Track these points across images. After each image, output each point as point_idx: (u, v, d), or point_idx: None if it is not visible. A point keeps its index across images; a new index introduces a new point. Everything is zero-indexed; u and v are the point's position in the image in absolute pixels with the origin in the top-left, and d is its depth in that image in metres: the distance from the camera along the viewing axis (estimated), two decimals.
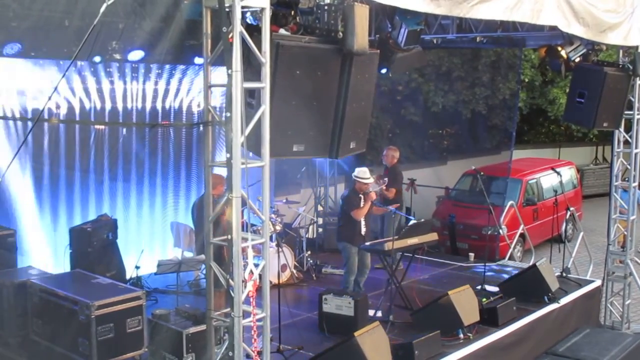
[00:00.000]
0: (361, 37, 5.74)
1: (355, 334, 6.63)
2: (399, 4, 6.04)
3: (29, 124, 9.13)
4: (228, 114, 5.11)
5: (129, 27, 7.59)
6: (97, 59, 8.22)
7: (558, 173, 13.36)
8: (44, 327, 7.13)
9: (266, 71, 5.28)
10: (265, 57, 5.24)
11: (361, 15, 5.74)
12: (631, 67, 9.79)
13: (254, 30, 5.27)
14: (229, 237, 5.23)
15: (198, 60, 9.19)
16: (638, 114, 10.20)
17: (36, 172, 9.46)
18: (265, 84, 5.30)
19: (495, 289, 9.51)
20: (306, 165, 13.25)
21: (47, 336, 7.09)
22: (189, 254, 10.05)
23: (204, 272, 6.94)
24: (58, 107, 9.56)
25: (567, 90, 11.28)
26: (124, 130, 10.39)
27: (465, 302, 8.07)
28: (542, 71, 19.28)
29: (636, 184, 10.44)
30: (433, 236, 9.13)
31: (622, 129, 10.38)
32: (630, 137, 10.35)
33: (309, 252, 10.88)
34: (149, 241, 10.77)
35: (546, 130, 23.14)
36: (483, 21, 8.96)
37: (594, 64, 9.77)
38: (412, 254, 9.19)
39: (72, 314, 6.73)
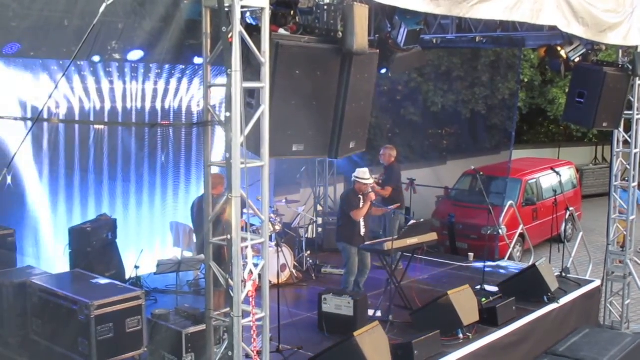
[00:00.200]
0: (361, 37, 5.74)
1: (355, 333, 6.63)
2: (399, 3, 6.04)
3: (29, 123, 9.12)
4: (228, 114, 5.11)
5: (129, 27, 7.59)
6: (96, 58, 8.22)
7: (557, 173, 13.38)
8: (43, 327, 7.13)
9: (266, 71, 5.28)
10: (264, 57, 5.24)
11: (361, 15, 5.74)
12: (631, 67, 9.80)
13: (253, 30, 5.27)
14: (229, 237, 5.24)
15: (198, 60, 9.19)
16: (637, 114, 10.20)
17: (36, 172, 9.46)
18: (264, 84, 5.30)
19: (494, 289, 9.51)
20: (306, 165, 13.25)
21: (47, 336, 7.10)
22: (188, 254, 10.06)
23: (204, 271, 6.94)
24: (58, 106, 9.57)
25: (567, 90, 11.29)
26: (124, 129, 10.39)
27: (464, 302, 8.07)
28: (542, 71, 19.33)
29: (635, 184, 10.44)
30: (432, 236, 9.13)
31: (621, 129, 10.39)
32: (630, 137, 10.35)
33: (308, 252, 10.88)
34: (149, 241, 10.77)
35: (546, 130, 23.15)
36: (483, 21, 8.97)
37: (594, 64, 9.77)
38: (411, 253, 9.19)
39: (72, 313, 6.73)
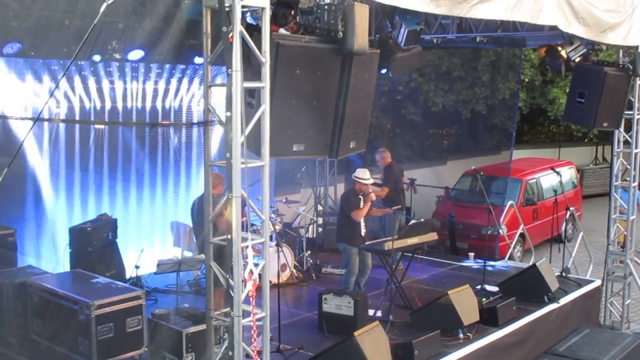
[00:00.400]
0: (361, 37, 5.74)
1: (355, 333, 6.63)
2: (399, 3, 6.04)
3: (29, 123, 9.13)
4: (228, 114, 5.11)
5: (129, 27, 7.59)
6: (97, 58, 8.22)
7: (558, 173, 13.37)
8: (44, 327, 7.13)
9: (266, 71, 5.28)
10: (265, 56, 5.24)
11: (361, 15, 5.74)
12: (631, 67, 9.80)
13: (254, 30, 5.28)
14: (229, 236, 5.24)
15: (198, 59, 9.19)
16: (638, 114, 10.19)
17: (36, 172, 9.46)
18: (265, 84, 5.30)
19: (495, 288, 9.52)
20: (306, 165, 13.25)
21: (47, 336, 7.09)
22: (188, 254, 10.06)
23: (204, 271, 6.94)
24: (58, 106, 9.57)
25: (567, 90, 11.29)
26: (124, 129, 10.40)
27: (465, 302, 8.07)
28: (542, 71, 19.33)
29: (636, 183, 10.44)
30: (433, 236, 9.12)
31: (622, 128, 10.38)
32: (630, 137, 10.35)
33: (308, 252, 10.88)
34: (149, 241, 10.78)
35: (546, 130, 23.14)
36: (483, 21, 8.96)
37: (594, 63, 9.77)
38: (412, 253, 9.19)
39: (72, 313, 6.73)
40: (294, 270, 10.18)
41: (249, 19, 5.68)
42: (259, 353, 5.40)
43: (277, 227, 9.82)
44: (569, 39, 9.37)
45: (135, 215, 10.73)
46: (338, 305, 7.97)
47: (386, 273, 8.85)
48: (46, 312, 7.08)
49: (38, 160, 9.47)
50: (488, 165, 16.33)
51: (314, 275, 10.49)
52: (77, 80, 9.67)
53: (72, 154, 9.86)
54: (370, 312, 8.39)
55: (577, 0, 8.02)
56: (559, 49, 9.60)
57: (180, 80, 10.90)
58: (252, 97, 5.48)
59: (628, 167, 10.45)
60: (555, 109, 19.79)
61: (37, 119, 8.59)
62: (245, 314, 5.28)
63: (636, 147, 10.29)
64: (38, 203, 9.53)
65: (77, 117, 9.76)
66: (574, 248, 12.03)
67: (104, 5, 4.96)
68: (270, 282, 5.78)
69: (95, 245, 8.87)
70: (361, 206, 8.89)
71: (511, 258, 12.38)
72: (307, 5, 5.99)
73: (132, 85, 10.34)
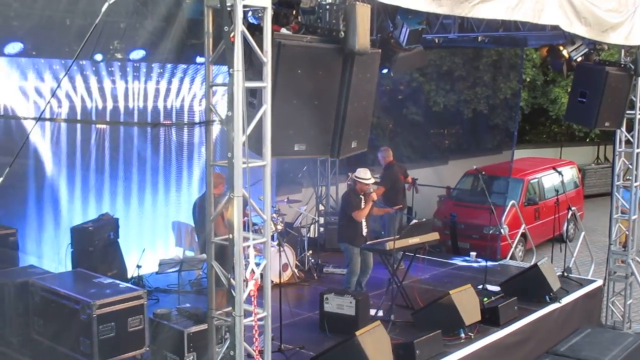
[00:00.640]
0: (363, 37, 5.74)
1: (357, 333, 6.63)
2: (401, 3, 6.04)
3: (31, 123, 9.13)
4: (229, 113, 5.11)
5: (131, 27, 7.60)
6: (98, 57, 8.23)
7: (559, 173, 13.36)
8: (45, 327, 7.14)
9: (267, 70, 5.28)
10: (266, 56, 5.24)
11: (363, 15, 5.74)
12: (633, 67, 9.80)
13: (255, 30, 5.27)
14: (230, 236, 5.24)
15: (199, 59, 9.20)
16: (639, 114, 10.19)
17: (37, 171, 9.47)
18: (266, 84, 5.30)
19: (496, 288, 9.51)
20: (307, 165, 13.25)
21: (49, 335, 7.10)
22: (190, 253, 10.06)
23: (205, 271, 6.94)
24: (60, 106, 9.57)
25: (569, 89, 11.29)
26: (126, 129, 10.40)
27: (466, 302, 8.06)
28: (544, 71, 19.31)
29: (638, 183, 10.43)
30: (434, 235, 9.13)
31: (623, 128, 10.38)
32: (632, 136, 10.34)
33: (310, 252, 10.88)
34: (151, 240, 10.78)
35: (548, 129, 23.12)
36: (485, 21, 8.96)
37: (596, 63, 9.77)
38: (413, 253, 9.18)
39: (74, 313, 6.73)
40: (296, 270, 10.18)
41: (250, 19, 5.66)
42: (261, 353, 5.40)
43: (279, 227, 9.83)
44: (571, 39, 9.37)
45: (136, 215, 10.74)
46: (339, 305, 7.97)
47: (387, 273, 8.86)
48: (48, 311, 7.09)
49: (39, 160, 9.47)
50: (489, 164, 16.31)
51: (315, 275, 10.49)
52: (78, 79, 9.67)
53: (74, 154, 9.87)
54: (372, 311, 8.39)
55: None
56: (561, 48, 9.60)
57: (181, 80, 10.90)
58: (253, 97, 5.48)
59: (630, 166, 10.45)
60: (557, 109, 19.78)
61: (39, 119, 8.60)
62: (247, 313, 5.28)
63: (638, 147, 10.29)
64: (39, 203, 9.54)
65: (79, 117, 9.77)
66: (575, 248, 12.01)
67: (106, 5, 4.96)
68: (272, 281, 5.78)
69: (96, 244, 8.87)
70: (362, 206, 8.89)
71: (513, 258, 12.38)
72: (308, 5, 5.98)
73: (134, 84, 10.34)
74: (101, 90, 9.98)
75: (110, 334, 6.65)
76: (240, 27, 4.99)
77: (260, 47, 5.20)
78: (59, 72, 9.15)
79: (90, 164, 10.06)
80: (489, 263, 10.59)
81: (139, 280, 9.30)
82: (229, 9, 5.01)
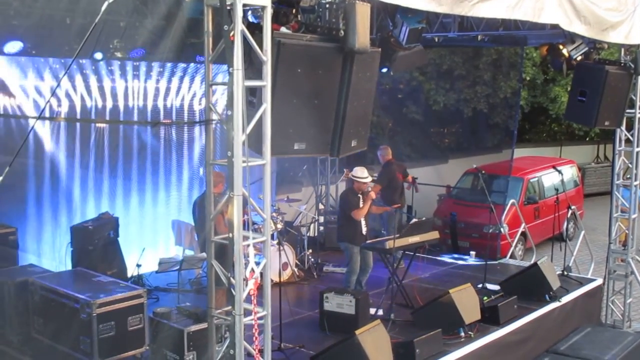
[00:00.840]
0: (362, 36, 5.74)
1: (357, 332, 6.63)
2: (401, 2, 6.04)
3: (30, 122, 9.13)
4: (229, 112, 5.11)
5: (131, 25, 7.60)
6: (98, 56, 8.23)
7: (559, 171, 13.37)
8: (45, 326, 7.14)
9: (267, 69, 5.28)
10: (266, 55, 5.24)
11: (362, 14, 5.74)
12: (632, 66, 9.80)
13: (255, 29, 5.27)
14: (230, 235, 5.24)
15: (199, 58, 9.19)
16: (639, 113, 10.19)
17: (37, 170, 9.47)
18: (266, 82, 5.30)
19: (496, 287, 9.51)
20: (307, 164, 13.26)
21: (49, 334, 7.10)
22: (190, 252, 10.06)
23: (205, 270, 6.94)
24: (59, 105, 9.57)
25: (569, 88, 11.29)
26: (126, 127, 10.40)
27: (466, 301, 8.07)
28: (544, 69, 19.32)
29: (638, 182, 10.43)
30: (434, 234, 9.13)
31: (623, 127, 10.38)
32: (632, 135, 10.34)
33: (310, 251, 10.88)
34: (151, 239, 10.78)
35: (547, 128, 23.12)
36: (484, 19, 8.96)
37: (596, 62, 9.77)
38: (413, 252, 9.18)
39: (74, 312, 6.73)
40: (296, 269, 10.19)
41: (250, 18, 5.66)
42: (261, 352, 5.40)
43: (279, 226, 9.83)
44: (571, 38, 9.37)
45: (136, 213, 10.74)
46: (339, 303, 7.97)
47: (387, 272, 8.86)
48: (47, 310, 7.09)
49: (39, 159, 9.47)
50: (489, 163, 16.31)
51: (315, 273, 10.49)
52: (78, 78, 9.68)
53: (73, 153, 9.87)
54: (372, 310, 8.39)
55: None
56: (561, 47, 9.60)
57: (181, 79, 10.90)
58: (253, 96, 5.47)
59: (630, 165, 10.44)
60: (557, 108, 19.78)
61: (39, 118, 8.60)
62: (247, 312, 5.28)
63: (638, 146, 10.28)
64: (39, 201, 9.54)
65: (79, 116, 9.77)
66: (575, 247, 12.01)
67: (106, 4, 4.96)
68: (272, 280, 5.77)
69: (96, 243, 8.87)
70: (361, 205, 8.89)
71: (512, 257, 12.37)
72: (308, 4, 5.98)
73: (134, 83, 10.35)
74: (101, 89, 9.98)
75: (110, 333, 6.65)
76: (239, 26, 4.99)
77: (260, 46, 5.20)
78: (58, 71, 9.16)
79: (90, 162, 10.06)
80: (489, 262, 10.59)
81: (138, 279, 9.30)
82: (228, 7, 5.00)
